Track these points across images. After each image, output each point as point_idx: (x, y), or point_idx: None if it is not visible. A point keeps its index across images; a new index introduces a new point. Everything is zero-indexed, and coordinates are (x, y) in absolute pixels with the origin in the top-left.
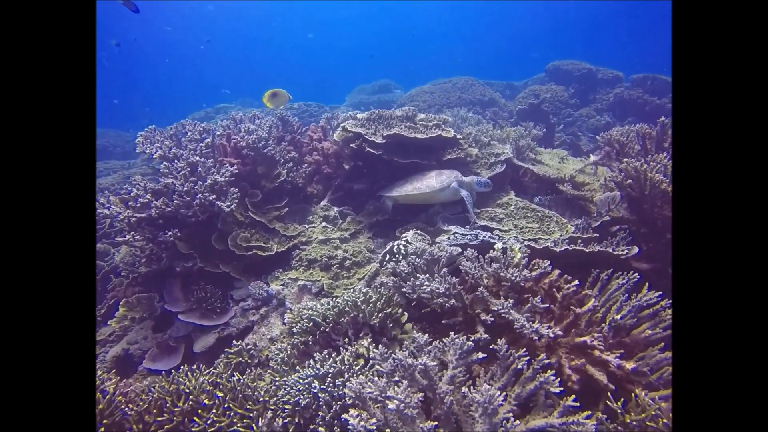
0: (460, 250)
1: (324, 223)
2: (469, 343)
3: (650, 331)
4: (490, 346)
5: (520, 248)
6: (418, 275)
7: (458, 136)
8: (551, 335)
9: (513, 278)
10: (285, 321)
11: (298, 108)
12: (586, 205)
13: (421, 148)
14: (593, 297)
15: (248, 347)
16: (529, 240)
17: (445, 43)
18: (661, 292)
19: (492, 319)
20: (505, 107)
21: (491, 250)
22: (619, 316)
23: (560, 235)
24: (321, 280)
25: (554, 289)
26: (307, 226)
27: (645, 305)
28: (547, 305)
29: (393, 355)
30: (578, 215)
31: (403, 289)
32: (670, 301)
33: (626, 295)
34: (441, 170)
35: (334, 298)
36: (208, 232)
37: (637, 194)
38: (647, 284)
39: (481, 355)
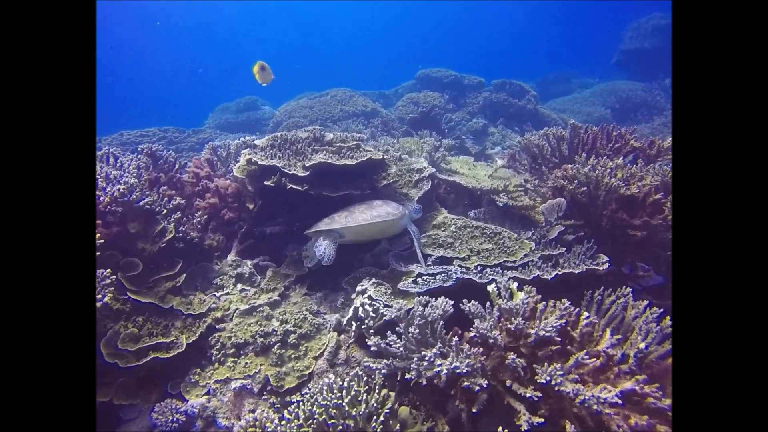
0: (452, 303)
1: (240, 285)
2: None
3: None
4: None
5: (517, 287)
6: (421, 351)
7: (385, 157)
8: (620, 402)
9: (543, 334)
10: None
11: (153, 135)
12: (528, 215)
13: (348, 177)
14: (605, 327)
15: None
16: (495, 266)
17: (304, 56)
18: (648, 301)
19: (540, 395)
20: (387, 116)
21: (498, 298)
22: (643, 345)
23: (524, 254)
24: (261, 370)
25: (568, 327)
26: (217, 294)
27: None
28: (594, 357)
29: None
30: (518, 225)
31: (407, 376)
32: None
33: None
34: (384, 200)
35: (302, 405)
36: None
37: (587, 200)
38: (629, 294)
39: None
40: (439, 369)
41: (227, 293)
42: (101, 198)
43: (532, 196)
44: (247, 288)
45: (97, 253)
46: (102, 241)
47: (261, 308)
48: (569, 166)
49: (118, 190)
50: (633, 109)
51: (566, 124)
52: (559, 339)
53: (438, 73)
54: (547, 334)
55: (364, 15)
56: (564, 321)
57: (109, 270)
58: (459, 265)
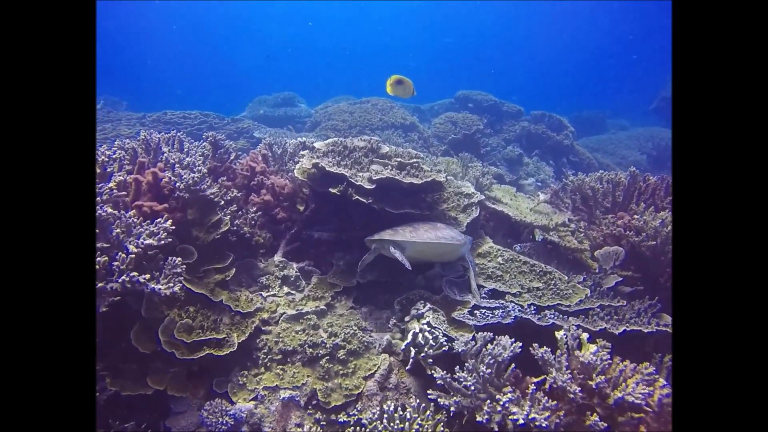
0: (521, 344)
1: (285, 288)
2: None
3: None
4: None
5: (588, 338)
6: (491, 392)
7: (442, 180)
8: None
9: (632, 401)
10: None
11: (195, 118)
12: (578, 257)
13: (408, 194)
14: None
15: None
16: (549, 307)
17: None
18: None
19: None
20: (424, 132)
21: (565, 347)
22: None
23: (580, 299)
24: (308, 382)
25: None
26: (264, 294)
27: None
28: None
29: None
30: (566, 267)
31: (478, 418)
32: None
33: None
34: (446, 224)
35: (361, 430)
36: (122, 324)
37: (650, 254)
38: None
39: None
40: (515, 417)
41: (273, 294)
42: (176, 183)
43: (579, 237)
44: (293, 292)
45: (164, 241)
46: (174, 227)
47: (308, 316)
48: (634, 216)
49: (193, 177)
50: (671, 158)
51: (600, 163)
52: (651, 411)
53: (478, 96)
54: (637, 402)
55: (403, 21)
56: (652, 389)
57: (179, 259)
58: (512, 302)
